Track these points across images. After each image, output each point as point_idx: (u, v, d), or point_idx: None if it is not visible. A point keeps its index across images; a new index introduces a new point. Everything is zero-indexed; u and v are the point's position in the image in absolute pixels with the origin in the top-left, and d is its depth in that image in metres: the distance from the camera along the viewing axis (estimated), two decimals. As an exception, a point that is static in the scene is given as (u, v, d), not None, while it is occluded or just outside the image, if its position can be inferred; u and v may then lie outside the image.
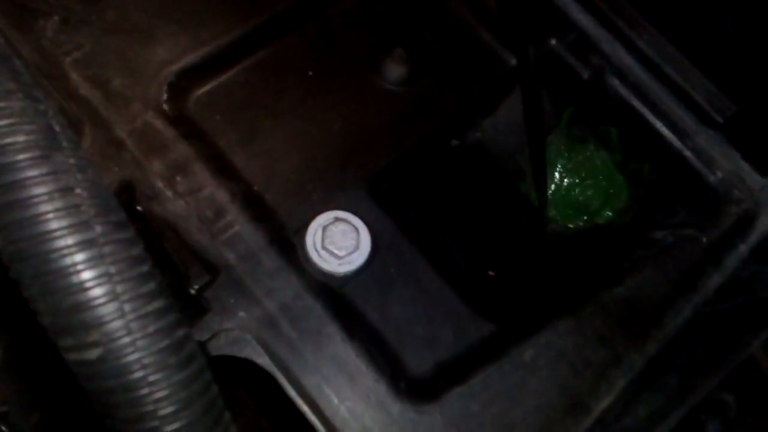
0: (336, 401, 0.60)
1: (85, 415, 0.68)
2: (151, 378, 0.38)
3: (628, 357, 0.64)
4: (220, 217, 0.66)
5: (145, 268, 0.40)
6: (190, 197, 0.66)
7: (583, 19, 0.77)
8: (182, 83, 0.72)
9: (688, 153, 0.75)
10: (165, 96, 0.71)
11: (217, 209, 0.66)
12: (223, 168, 0.69)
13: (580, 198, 0.81)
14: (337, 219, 0.68)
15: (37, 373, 0.70)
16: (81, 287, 0.37)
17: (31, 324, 0.70)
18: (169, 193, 0.65)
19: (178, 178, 0.66)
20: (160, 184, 0.66)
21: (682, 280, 0.68)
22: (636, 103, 0.76)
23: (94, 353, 0.37)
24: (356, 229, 0.68)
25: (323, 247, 0.67)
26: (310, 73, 0.78)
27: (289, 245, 0.67)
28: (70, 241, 0.37)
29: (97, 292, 0.37)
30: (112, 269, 0.37)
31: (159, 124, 0.69)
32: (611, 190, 0.80)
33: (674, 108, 0.76)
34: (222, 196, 0.67)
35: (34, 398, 0.65)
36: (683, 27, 0.75)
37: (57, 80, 0.69)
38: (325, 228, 0.67)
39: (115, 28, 0.72)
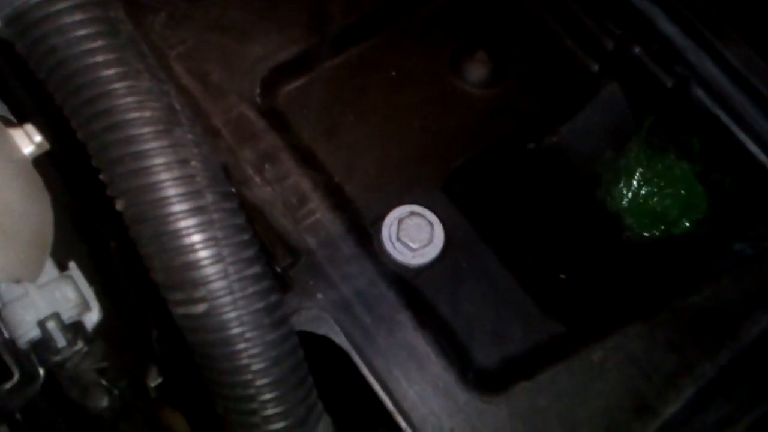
0: (405, 385, 0.62)
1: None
2: (248, 335, 0.41)
3: (699, 365, 0.63)
4: (303, 205, 0.69)
5: (246, 236, 0.43)
6: (277, 184, 0.70)
7: (668, 27, 0.77)
8: (274, 78, 0.77)
9: (772, 166, 0.74)
10: (258, 90, 0.75)
11: (300, 197, 0.70)
12: (307, 159, 0.73)
13: (658, 208, 0.80)
14: (412, 213, 0.71)
15: (128, 345, 0.75)
16: (192, 248, 0.41)
17: (128, 302, 0.75)
18: (257, 180, 0.70)
19: (267, 166, 0.71)
20: (250, 170, 0.70)
21: (760, 292, 0.66)
22: (720, 114, 0.75)
23: (199, 308, 0.41)
24: (431, 224, 0.70)
25: (398, 239, 0.69)
26: (393, 73, 0.82)
27: (365, 235, 0.70)
28: (185, 206, 0.41)
29: (205, 253, 0.41)
30: (219, 234, 0.41)
31: (252, 115, 0.73)
32: (690, 201, 0.79)
33: (759, 120, 0.74)
34: (306, 184, 0.70)
35: (124, 365, 0.70)
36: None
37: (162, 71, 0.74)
38: (400, 221, 0.70)
39: (216, 25, 0.77)
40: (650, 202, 0.80)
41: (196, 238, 0.41)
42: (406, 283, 0.69)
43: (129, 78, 0.42)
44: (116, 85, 0.41)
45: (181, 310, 0.42)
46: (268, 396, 0.43)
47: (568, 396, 0.62)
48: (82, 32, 0.42)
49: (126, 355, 0.69)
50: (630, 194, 0.80)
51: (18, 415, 0.58)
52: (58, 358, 0.55)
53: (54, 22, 0.42)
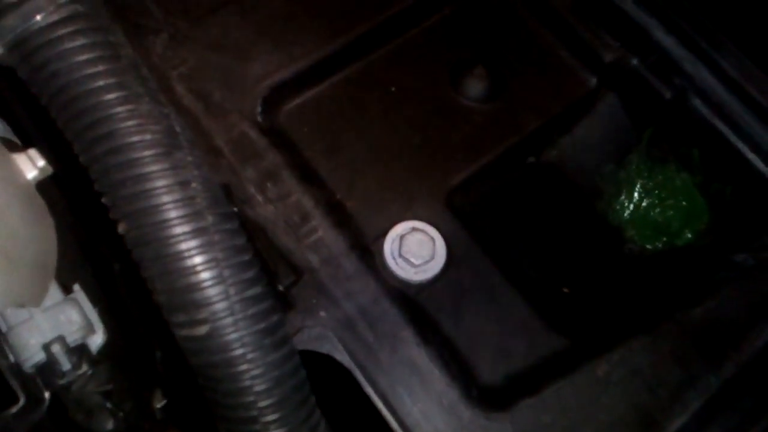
0: (409, 402, 0.62)
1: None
2: (250, 356, 0.42)
3: (704, 378, 0.63)
4: (305, 222, 0.69)
5: (247, 256, 0.44)
6: (279, 203, 0.70)
7: (665, 39, 0.77)
8: (275, 97, 0.77)
9: (771, 175, 0.74)
10: (259, 108, 0.76)
11: (302, 215, 0.70)
12: (309, 176, 0.74)
13: (660, 219, 0.80)
14: (414, 229, 0.71)
15: (133, 367, 0.75)
16: (193, 270, 0.41)
17: (132, 324, 0.75)
18: (260, 198, 0.70)
19: (269, 185, 0.71)
20: (252, 189, 0.70)
21: (763, 303, 0.66)
22: (719, 124, 0.76)
23: (202, 330, 0.41)
24: (432, 240, 0.70)
25: (400, 255, 0.69)
26: (393, 89, 0.82)
27: (368, 252, 0.70)
28: (186, 228, 0.41)
29: (206, 275, 0.41)
30: (220, 255, 0.42)
31: (253, 134, 0.74)
32: (692, 212, 0.79)
33: (758, 129, 0.74)
34: (307, 202, 0.71)
35: (129, 387, 0.70)
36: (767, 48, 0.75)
37: (163, 92, 0.74)
38: (402, 237, 0.70)
39: (217, 45, 0.78)
40: (652, 213, 0.80)
41: (198, 259, 0.41)
42: (408, 300, 0.69)
43: (130, 102, 0.42)
44: (117, 109, 0.42)
45: (183, 332, 0.42)
46: (270, 417, 0.43)
47: (573, 411, 0.62)
48: (83, 57, 0.43)
49: (131, 377, 0.69)
50: (631, 206, 0.80)
51: (24, 439, 0.58)
52: (63, 381, 0.55)
53: (55, 48, 0.43)
